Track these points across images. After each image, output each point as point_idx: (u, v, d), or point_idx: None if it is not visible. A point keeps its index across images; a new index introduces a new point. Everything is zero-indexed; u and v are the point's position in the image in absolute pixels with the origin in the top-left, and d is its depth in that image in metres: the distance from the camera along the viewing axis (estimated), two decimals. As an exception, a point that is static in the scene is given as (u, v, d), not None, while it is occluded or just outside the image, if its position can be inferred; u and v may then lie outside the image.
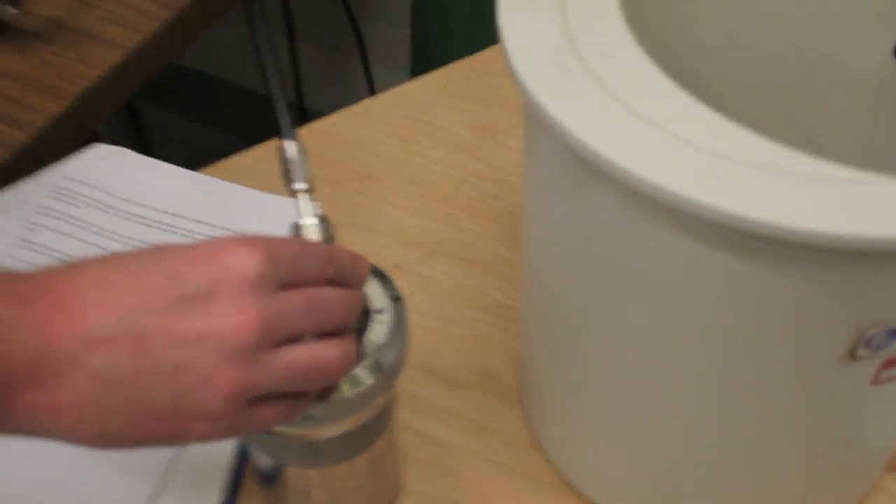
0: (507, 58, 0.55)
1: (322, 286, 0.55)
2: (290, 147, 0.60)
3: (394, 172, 0.98)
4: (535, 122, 0.58)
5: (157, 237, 0.88)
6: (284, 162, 0.60)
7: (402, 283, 0.62)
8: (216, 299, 0.50)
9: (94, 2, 1.26)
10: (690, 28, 0.71)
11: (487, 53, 1.09)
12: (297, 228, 0.60)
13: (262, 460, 0.66)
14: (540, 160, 0.61)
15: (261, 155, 0.99)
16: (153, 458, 0.74)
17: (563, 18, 0.57)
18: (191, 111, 2.34)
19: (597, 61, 0.54)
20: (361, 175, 0.98)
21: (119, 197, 0.91)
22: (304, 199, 0.60)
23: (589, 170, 0.51)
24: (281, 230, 0.59)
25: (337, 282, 0.56)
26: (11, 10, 1.20)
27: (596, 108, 0.52)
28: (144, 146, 1.86)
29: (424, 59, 1.72)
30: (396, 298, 0.62)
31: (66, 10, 1.24)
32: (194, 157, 1.13)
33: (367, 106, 1.05)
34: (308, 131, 1.00)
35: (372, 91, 1.97)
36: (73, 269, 0.51)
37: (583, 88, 0.53)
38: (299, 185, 0.60)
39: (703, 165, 0.49)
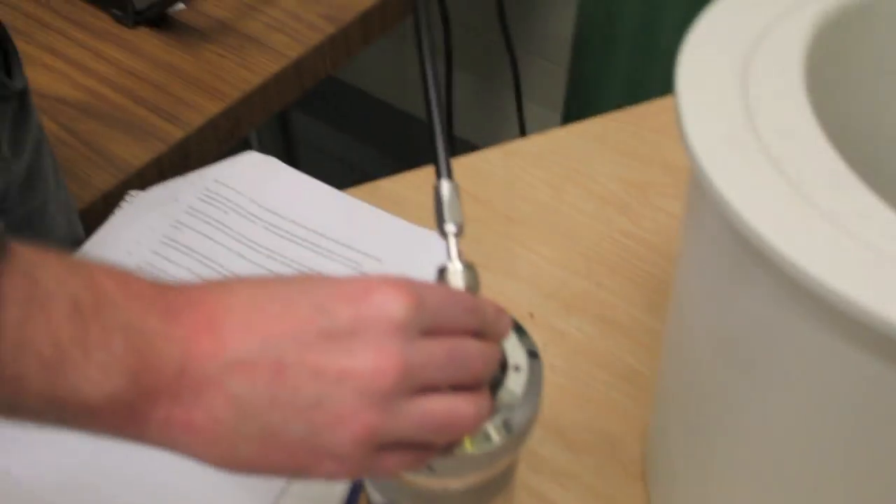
0: (681, 128, 0.53)
1: (465, 337, 0.53)
2: (446, 187, 0.60)
3: (539, 219, 0.96)
4: (703, 197, 0.57)
5: (296, 253, 0.88)
6: (438, 201, 0.59)
7: (534, 335, 0.61)
8: (360, 338, 0.49)
9: (261, 7, 1.28)
10: (877, 117, 0.68)
11: (646, 107, 1.07)
12: (442, 272, 0.58)
13: (377, 498, 0.65)
14: (702, 235, 0.59)
15: (408, 182, 0.99)
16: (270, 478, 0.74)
17: (744, 91, 0.55)
18: (341, 125, 2.36)
19: (776, 143, 0.52)
20: (506, 217, 0.96)
21: (265, 207, 0.91)
22: (452, 243, 0.59)
23: (754, 255, 0.49)
24: (419, 262, 0.58)
25: (478, 333, 0.55)
26: (180, 5, 1.23)
27: (770, 193, 0.50)
28: (291, 155, 1.88)
29: (578, 100, 1.71)
30: (534, 355, 0.60)
31: (233, 13, 1.26)
32: (340, 170, 1.13)
33: (520, 146, 1.04)
34: (457, 164, 0.98)
35: (522, 125, 1.96)
36: (223, 287, 0.51)
37: (758, 171, 0.51)
38: (450, 228, 0.59)
39: (878, 270, 0.47)
